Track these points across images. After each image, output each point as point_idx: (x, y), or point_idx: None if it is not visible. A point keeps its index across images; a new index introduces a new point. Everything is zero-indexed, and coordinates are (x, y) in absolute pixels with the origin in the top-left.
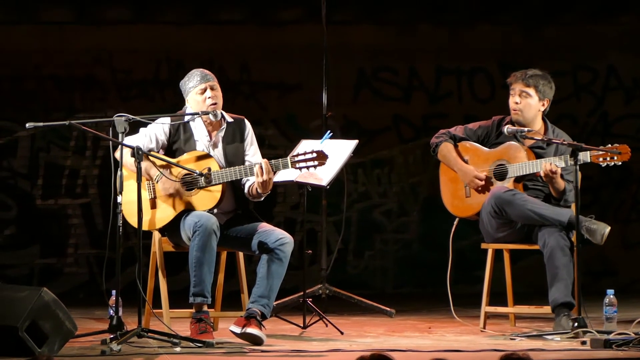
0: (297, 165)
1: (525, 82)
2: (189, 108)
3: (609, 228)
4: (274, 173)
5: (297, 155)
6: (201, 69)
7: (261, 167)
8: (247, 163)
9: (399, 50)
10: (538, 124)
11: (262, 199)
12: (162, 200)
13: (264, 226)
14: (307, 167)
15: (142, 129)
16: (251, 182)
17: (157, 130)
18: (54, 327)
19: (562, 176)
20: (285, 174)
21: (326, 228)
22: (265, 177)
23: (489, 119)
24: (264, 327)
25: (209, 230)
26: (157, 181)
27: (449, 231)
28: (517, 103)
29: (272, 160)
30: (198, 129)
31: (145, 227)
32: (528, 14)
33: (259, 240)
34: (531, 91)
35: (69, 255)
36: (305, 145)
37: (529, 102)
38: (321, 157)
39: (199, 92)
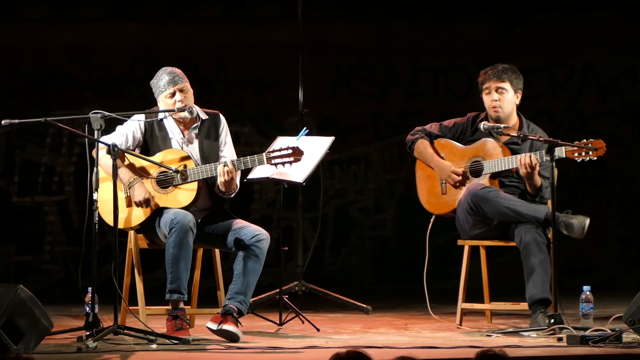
0: (273, 162)
1: (500, 78)
2: (160, 108)
3: (589, 219)
4: (245, 180)
5: (273, 151)
6: (170, 69)
7: (224, 167)
8: (221, 159)
9: (375, 47)
10: (513, 120)
11: (232, 195)
12: None
13: (239, 222)
14: (283, 164)
15: (118, 127)
16: None
17: (133, 128)
18: (30, 324)
19: (538, 172)
20: (261, 171)
21: (302, 225)
22: (226, 177)
23: (465, 116)
24: (240, 324)
25: (186, 227)
26: (130, 187)
27: (426, 228)
28: (495, 100)
29: (248, 157)
30: (171, 127)
31: (120, 226)
32: (504, 11)
33: (235, 237)
34: (506, 85)
35: (45, 252)
36: (281, 142)
37: (506, 97)
38: (297, 153)
39: (168, 95)
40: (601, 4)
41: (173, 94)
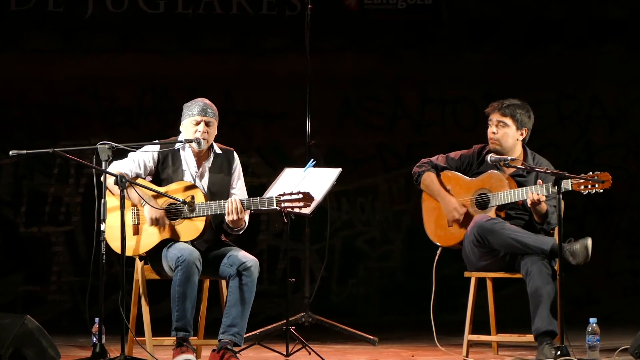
0: (282, 205)
1: (502, 112)
2: (182, 133)
3: (590, 239)
4: (252, 211)
5: (284, 194)
6: (207, 102)
7: (230, 205)
8: (232, 196)
9: (383, 78)
10: (517, 152)
11: (240, 232)
12: (146, 226)
13: (230, 250)
14: (292, 208)
15: (130, 154)
16: None
17: (145, 156)
18: (37, 355)
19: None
20: None
21: (309, 256)
22: (234, 216)
23: (471, 147)
24: (238, 356)
25: (191, 265)
26: (143, 205)
27: (432, 259)
28: (494, 133)
29: (258, 198)
30: (187, 158)
31: (128, 253)
32: (512, 43)
33: (225, 266)
34: (508, 121)
35: (52, 282)
36: (290, 177)
37: (506, 132)
38: (307, 199)
39: (194, 122)
40: (609, 36)
41: (199, 123)
